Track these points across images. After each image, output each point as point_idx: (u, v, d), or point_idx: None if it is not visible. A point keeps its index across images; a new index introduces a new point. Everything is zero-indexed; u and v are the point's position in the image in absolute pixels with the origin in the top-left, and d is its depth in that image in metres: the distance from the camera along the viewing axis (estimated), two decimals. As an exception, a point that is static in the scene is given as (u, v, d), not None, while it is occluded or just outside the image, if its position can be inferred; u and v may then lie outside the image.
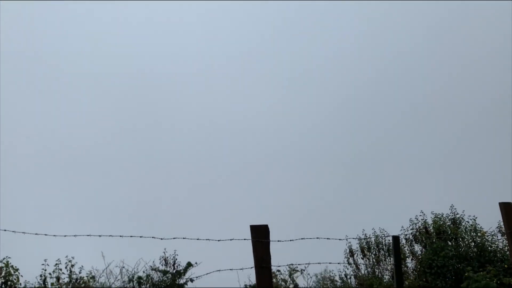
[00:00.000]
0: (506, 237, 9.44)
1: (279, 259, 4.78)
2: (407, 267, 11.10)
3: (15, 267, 9.03)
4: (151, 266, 11.98)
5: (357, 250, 12.54)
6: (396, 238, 4.84)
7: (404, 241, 11.66)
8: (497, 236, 10.58)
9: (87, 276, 10.71)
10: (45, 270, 8.48)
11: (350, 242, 12.58)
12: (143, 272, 11.89)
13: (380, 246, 12.29)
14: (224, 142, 26.16)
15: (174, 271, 11.94)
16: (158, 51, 27.21)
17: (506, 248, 10.17)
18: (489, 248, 10.14)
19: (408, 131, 25.45)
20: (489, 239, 10.40)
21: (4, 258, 9.00)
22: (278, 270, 11.49)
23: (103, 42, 26.08)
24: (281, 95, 27.13)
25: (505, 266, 9.50)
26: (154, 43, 26.81)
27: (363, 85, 26.57)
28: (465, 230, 10.84)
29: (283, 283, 11.44)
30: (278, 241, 4.53)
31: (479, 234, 10.58)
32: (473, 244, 10.53)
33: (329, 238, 5.18)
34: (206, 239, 4.70)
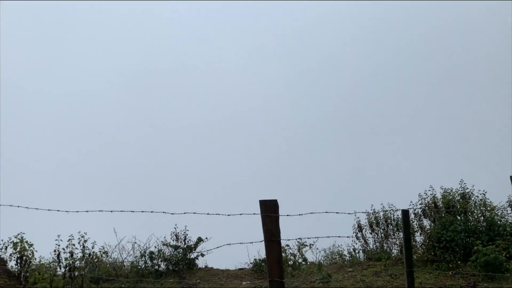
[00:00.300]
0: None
1: (288, 234, 4.82)
2: (415, 241, 11.15)
3: (30, 242, 9.21)
4: (163, 242, 12.19)
5: (366, 225, 12.59)
6: (405, 212, 4.85)
7: (413, 215, 11.67)
8: (507, 210, 10.54)
9: (100, 251, 10.93)
10: (59, 245, 8.64)
11: (358, 217, 12.64)
12: (155, 247, 12.12)
13: (389, 221, 12.33)
14: (232, 118, 26.17)
15: (185, 246, 12.14)
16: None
17: (516, 222, 10.16)
18: (499, 222, 10.12)
19: (418, 107, 25.21)
20: (499, 213, 10.37)
21: (18, 234, 9.18)
22: (287, 245, 11.61)
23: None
24: (287, 66, 26.92)
25: (515, 239, 9.50)
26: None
27: (372, 53, 26.26)
28: (474, 204, 10.81)
29: (292, 257, 11.58)
30: (287, 215, 4.55)
31: (488, 208, 10.55)
32: (482, 218, 10.51)
33: (338, 213, 5.19)
34: (216, 214, 4.74)
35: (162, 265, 11.88)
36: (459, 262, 9.51)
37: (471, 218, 10.64)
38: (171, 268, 11.79)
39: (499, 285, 8.04)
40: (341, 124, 25.97)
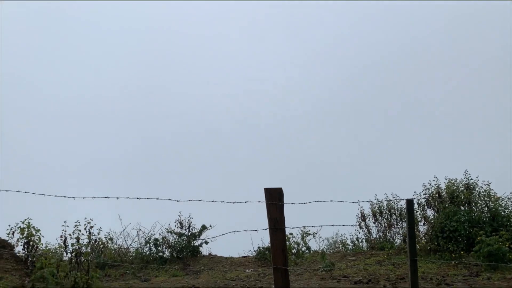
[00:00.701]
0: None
1: (292, 222, 4.86)
2: (419, 231, 11.18)
3: (37, 228, 9.31)
4: (167, 229, 12.31)
5: (369, 215, 12.63)
6: (410, 201, 4.87)
7: (416, 205, 11.68)
8: (511, 201, 10.55)
9: (105, 238, 11.05)
10: (65, 231, 8.71)
11: (362, 207, 12.68)
12: (159, 234, 12.24)
13: (392, 211, 12.37)
14: (239, 106, 26.16)
15: (189, 234, 12.25)
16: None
17: (520, 213, 10.15)
18: (503, 213, 10.12)
19: (423, 98, 25.08)
20: (503, 204, 10.36)
21: (25, 219, 9.28)
22: (291, 233, 11.69)
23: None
24: (294, 56, 26.81)
25: (518, 230, 9.51)
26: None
27: (377, 43, 26.09)
28: (478, 195, 10.80)
29: (295, 246, 11.66)
30: (292, 203, 4.58)
31: (492, 199, 10.55)
32: (486, 209, 10.52)
33: (342, 201, 5.23)
34: (221, 202, 4.78)
35: (166, 252, 12.01)
36: (462, 252, 9.55)
37: (475, 209, 10.65)
38: (175, 255, 11.92)
39: (501, 275, 8.08)
40: (347, 113, 25.91)
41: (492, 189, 10.77)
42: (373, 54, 26.32)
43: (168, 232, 12.19)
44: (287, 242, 11.17)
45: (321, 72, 26.78)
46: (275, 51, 27.26)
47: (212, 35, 27.65)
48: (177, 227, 12.42)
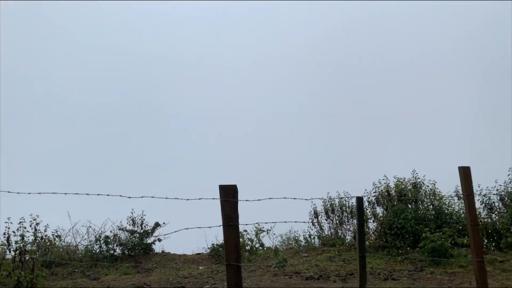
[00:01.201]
0: (463, 200, 9.92)
1: (246, 219, 4.88)
2: (368, 228, 11.54)
3: (-23, 225, 8.81)
4: (119, 226, 12.02)
5: (322, 212, 12.89)
6: (360, 199, 5.01)
7: (367, 203, 12.05)
8: (454, 200, 11.13)
9: (53, 235, 10.61)
10: (9, 228, 8.30)
11: (315, 204, 12.92)
12: (110, 231, 11.93)
13: (344, 208, 12.68)
14: (200, 101, 25.94)
15: (141, 231, 12.02)
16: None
17: (462, 210, 10.72)
18: (446, 210, 10.66)
19: (376, 98, 25.87)
20: (446, 202, 10.91)
21: (-35, 216, 8.76)
22: (245, 230, 11.74)
23: None
24: (255, 48, 26.86)
25: (460, 227, 10.05)
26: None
27: (342, 43, 26.61)
28: (424, 193, 11.32)
29: (249, 242, 11.72)
30: (246, 200, 4.60)
31: (437, 197, 11.09)
32: (431, 207, 11.04)
33: (295, 198, 5.30)
34: (175, 198, 4.72)
35: (117, 250, 11.73)
36: (408, 248, 9.96)
37: (421, 207, 11.14)
38: (127, 253, 11.66)
39: (443, 269, 8.50)
40: (301, 112, 26.31)
41: (437, 188, 11.34)
42: (328, 54, 26.88)
43: (119, 229, 11.91)
44: (241, 239, 11.23)
45: (279, 68, 27.04)
46: (238, 37, 27.24)
47: (187, 35, 27.26)
48: (129, 225, 12.16)
